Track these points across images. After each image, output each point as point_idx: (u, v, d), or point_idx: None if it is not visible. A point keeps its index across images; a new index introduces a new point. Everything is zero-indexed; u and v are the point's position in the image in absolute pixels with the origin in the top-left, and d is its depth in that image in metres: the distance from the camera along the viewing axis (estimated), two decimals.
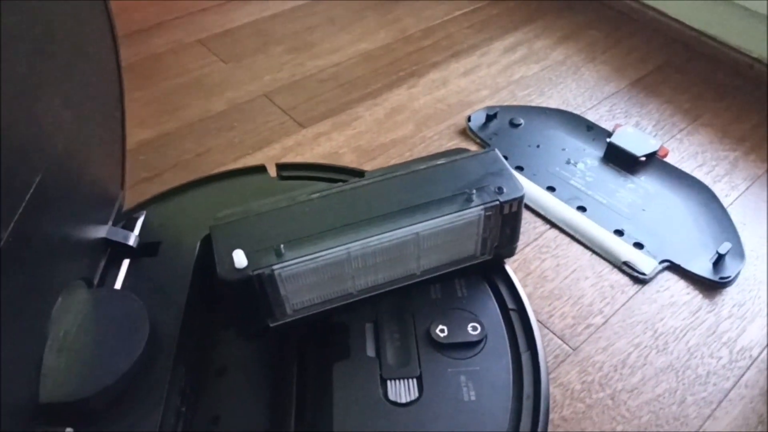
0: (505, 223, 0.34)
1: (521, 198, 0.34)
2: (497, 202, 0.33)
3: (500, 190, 0.34)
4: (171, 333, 0.34)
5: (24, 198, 0.25)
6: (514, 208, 0.34)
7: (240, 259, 0.30)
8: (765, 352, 0.43)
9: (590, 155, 0.57)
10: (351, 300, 0.34)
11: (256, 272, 0.30)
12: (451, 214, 0.33)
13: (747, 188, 0.55)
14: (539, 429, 0.30)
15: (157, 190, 0.52)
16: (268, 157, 0.58)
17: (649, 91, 0.67)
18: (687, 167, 0.57)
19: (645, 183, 0.54)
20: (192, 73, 0.69)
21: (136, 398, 0.31)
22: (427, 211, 0.33)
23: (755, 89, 0.66)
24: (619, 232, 0.50)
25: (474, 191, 0.33)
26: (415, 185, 0.35)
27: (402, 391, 0.31)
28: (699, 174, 0.56)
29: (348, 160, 0.57)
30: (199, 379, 0.36)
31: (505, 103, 0.64)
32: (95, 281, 0.36)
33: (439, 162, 0.36)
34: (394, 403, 0.31)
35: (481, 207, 0.33)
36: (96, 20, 0.34)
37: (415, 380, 0.32)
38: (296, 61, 0.71)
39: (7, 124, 0.24)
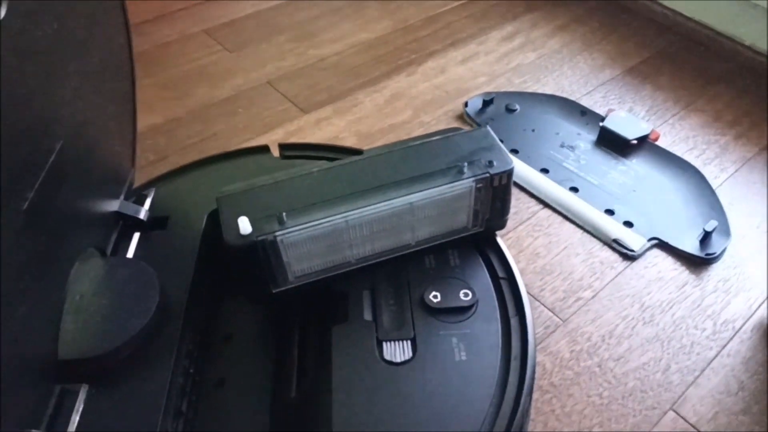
0: (495, 195, 0.36)
1: (510, 171, 0.36)
2: (487, 175, 0.35)
3: (490, 164, 0.36)
4: (180, 299, 0.36)
5: (46, 163, 0.27)
6: (504, 181, 0.36)
7: (245, 225, 0.32)
8: (747, 323, 0.45)
9: (584, 139, 0.59)
10: (349, 268, 0.36)
11: (259, 238, 0.32)
12: (443, 185, 0.35)
13: (736, 170, 0.57)
14: (525, 387, 0.32)
15: (161, 172, 0.55)
16: (272, 140, 0.60)
17: (643, 78, 0.68)
18: (678, 150, 0.58)
19: (636, 165, 0.56)
20: (198, 62, 0.71)
21: (147, 358, 0.33)
22: (420, 182, 0.35)
23: (747, 76, 0.68)
24: (609, 212, 0.51)
25: (465, 164, 0.35)
26: (410, 159, 0.37)
27: (397, 351, 0.33)
28: (689, 157, 0.58)
29: (348, 144, 0.59)
30: (207, 344, 0.38)
31: (502, 90, 0.66)
32: (108, 251, 0.38)
33: (434, 138, 0.38)
34: (390, 363, 0.33)
35: (473, 179, 0.35)
36: (110, 2, 0.36)
37: (409, 342, 0.34)
38: (299, 50, 0.73)
39: (31, 88, 0.26)
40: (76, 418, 0.31)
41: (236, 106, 0.65)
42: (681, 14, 0.76)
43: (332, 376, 0.33)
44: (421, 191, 0.35)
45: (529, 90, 0.66)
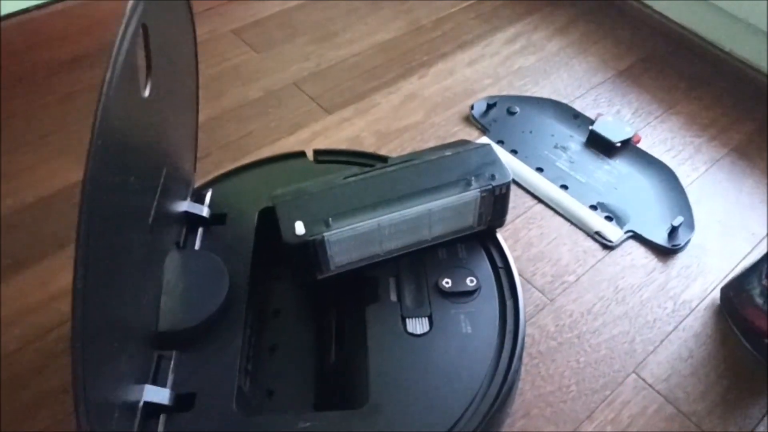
0: (496, 201, 0.45)
1: (509, 183, 0.44)
2: (490, 186, 0.44)
3: (493, 177, 0.44)
4: (242, 283, 0.45)
5: (158, 186, 0.36)
6: (503, 191, 0.44)
7: (300, 228, 0.41)
8: (702, 304, 0.54)
9: (575, 140, 0.67)
10: (379, 259, 0.45)
11: (311, 238, 0.41)
12: (454, 195, 0.43)
13: (706, 170, 0.65)
14: (516, 353, 0.41)
15: (209, 168, 0.63)
16: (300, 140, 0.68)
17: (631, 81, 0.76)
18: (656, 152, 0.66)
19: (619, 165, 0.64)
20: (229, 62, 0.78)
21: (221, 330, 0.42)
22: (436, 192, 0.44)
23: (725, 81, 0.75)
24: (593, 207, 0.60)
25: (472, 178, 0.44)
26: (428, 172, 0.45)
27: (417, 326, 0.42)
28: (666, 158, 0.66)
29: (368, 143, 0.67)
30: (260, 319, 0.48)
31: (505, 92, 0.74)
32: (180, 244, 0.47)
33: (446, 153, 0.46)
34: (411, 334, 0.42)
35: (478, 190, 0.44)
36: (185, 31, 0.43)
37: (427, 318, 0.43)
38: (320, 51, 0.80)
39: (154, 136, 0.34)
40: (171, 376, 0.40)
41: (266, 106, 0.72)
42: (669, 19, 0.82)
43: (367, 346, 0.42)
44: (437, 200, 0.43)
45: (529, 92, 0.74)
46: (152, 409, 0.38)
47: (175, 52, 0.40)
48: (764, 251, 0.54)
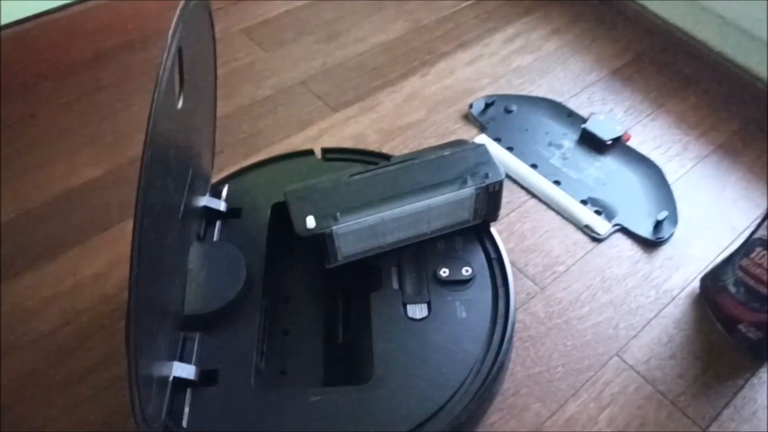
0: (490, 198, 0.49)
1: (502, 181, 0.48)
2: (484, 184, 0.48)
3: (487, 175, 0.48)
4: (257, 272, 0.49)
5: (186, 185, 0.40)
6: (496, 188, 0.48)
7: (311, 222, 0.45)
8: (682, 292, 0.58)
9: (568, 138, 0.70)
10: (382, 251, 0.50)
11: (321, 231, 0.45)
12: (452, 192, 0.47)
13: (692, 167, 0.69)
14: (506, 336, 0.45)
15: (223, 164, 0.67)
16: (308, 137, 0.72)
17: (624, 80, 0.79)
18: (645, 149, 0.70)
19: (609, 162, 0.68)
20: (240, 61, 0.82)
21: (240, 314, 0.47)
22: (435, 189, 0.48)
23: (714, 80, 0.79)
24: (584, 202, 0.64)
25: (468, 176, 0.48)
26: (427, 171, 0.49)
27: (417, 311, 0.47)
28: (655, 155, 0.70)
29: (372, 140, 0.71)
30: (274, 304, 0.52)
31: (503, 91, 0.77)
32: (201, 236, 0.51)
33: (444, 153, 0.50)
34: (412, 319, 0.46)
35: (473, 187, 0.48)
36: (208, 44, 0.47)
37: (425, 304, 0.47)
38: (326, 50, 0.83)
39: (184, 142, 0.38)
40: (195, 355, 0.45)
41: (276, 104, 0.76)
42: (663, 19, 0.85)
43: (371, 328, 0.46)
44: (435, 197, 0.47)
45: (526, 91, 0.78)
46: (180, 383, 0.42)
47: (199, 63, 0.44)
48: None
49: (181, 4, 0.34)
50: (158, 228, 0.34)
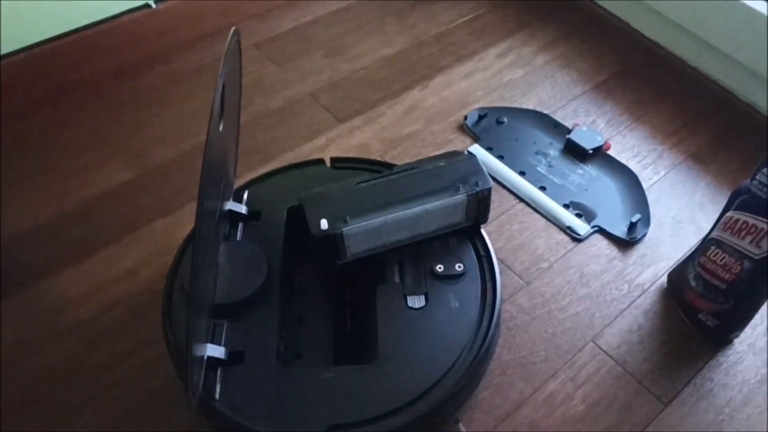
0: (479, 203, 0.56)
1: (490, 188, 0.55)
2: (474, 191, 0.55)
3: (477, 184, 0.55)
4: (276, 267, 0.56)
5: (220, 192, 0.47)
6: (485, 195, 0.55)
7: (324, 224, 0.52)
8: (653, 286, 0.65)
9: (554, 148, 0.77)
10: (386, 249, 0.57)
11: (333, 232, 0.52)
12: (446, 198, 0.55)
13: (666, 174, 0.76)
14: (493, 323, 0.52)
15: (240, 170, 0.74)
16: (317, 146, 0.79)
17: (607, 93, 0.86)
18: (624, 158, 0.77)
19: (590, 170, 0.75)
20: (252, 74, 0.89)
21: (261, 304, 0.54)
22: (432, 195, 0.55)
23: (690, 93, 0.86)
24: (566, 206, 0.71)
25: (460, 184, 0.55)
26: (425, 179, 0.56)
27: (416, 301, 0.54)
28: (632, 163, 0.77)
29: (376, 149, 0.78)
30: (290, 296, 0.59)
31: (495, 103, 0.84)
32: (227, 236, 0.58)
33: (440, 164, 0.57)
34: (411, 308, 0.53)
35: (465, 194, 0.55)
36: (235, 69, 0.54)
37: (423, 295, 0.54)
38: (333, 64, 0.90)
39: (221, 156, 0.45)
40: (224, 339, 0.52)
41: (287, 115, 0.83)
42: (645, 36, 0.92)
43: (377, 317, 0.53)
44: (432, 202, 0.54)
45: (517, 103, 0.85)
46: (213, 362, 0.49)
47: (231, 90, 0.51)
48: None
49: (226, 47, 0.41)
50: (206, 229, 0.41)
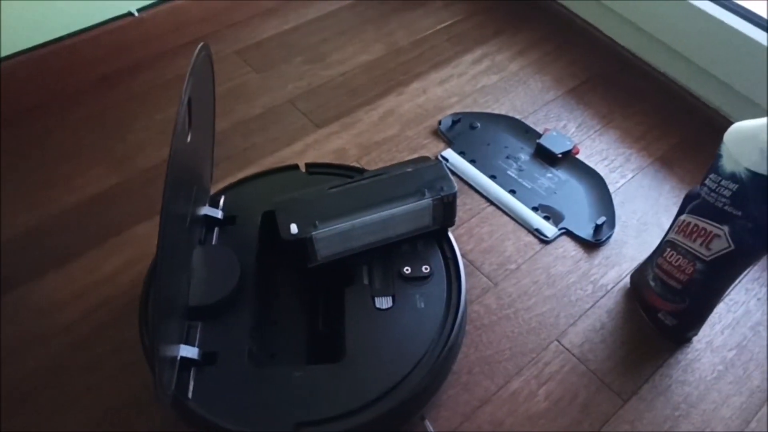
0: (445, 207, 0.58)
1: (455, 193, 0.57)
2: (440, 196, 0.57)
3: (442, 189, 0.57)
4: (250, 271, 0.58)
5: (191, 199, 0.49)
6: (450, 200, 0.58)
7: (294, 228, 0.54)
8: (616, 287, 0.67)
9: (524, 152, 0.80)
10: (355, 252, 0.59)
11: (303, 236, 0.55)
12: (413, 203, 0.57)
13: (632, 177, 0.79)
14: (457, 323, 0.55)
15: (219, 176, 0.76)
16: (295, 151, 0.81)
17: (579, 99, 0.89)
18: (592, 161, 0.80)
19: (559, 173, 0.77)
20: (234, 81, 0.91)
21: (234, 306, 0.56)
22: (399, 200, 0.57)
23: (658, 98, 0.88)
24: (535, 209, 0.73)
25: (426, 189, 0.57)
26: (393, 184, 0.58)
27: (383, 302, 0.56)
28: (600, 167, 0.79)
29: (352, 154, 0.80)
30: (264, 298, 0.61)
31: (469, 109, 0.87)
32: (202, 240, 0.60)
33: (408, 170, 0.59)
34: (379, 309, 0.56)
35: (431, 199, 0.57)
36: (209, 85, 0.56)
37: (391, 297, 0.56)
38: (312, 71, 0.92)
39: (191, 164, 0.47)
40: (198, 340, 0.54)
41: (267, 121, 0.85)
42: (616, 42, 0.95)
43: (345, 317, 0.55)
44: (399, 206, 0.57)
45: (490, 109, 0.87)
46: (186, 362, 0.51)
47: (202, 102, 0.53)
48: None
49: (191, 64, 0.43)
50: (173, 236, 0.43)
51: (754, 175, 0.46)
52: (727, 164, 0.48)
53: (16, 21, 0.80)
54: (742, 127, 0.48)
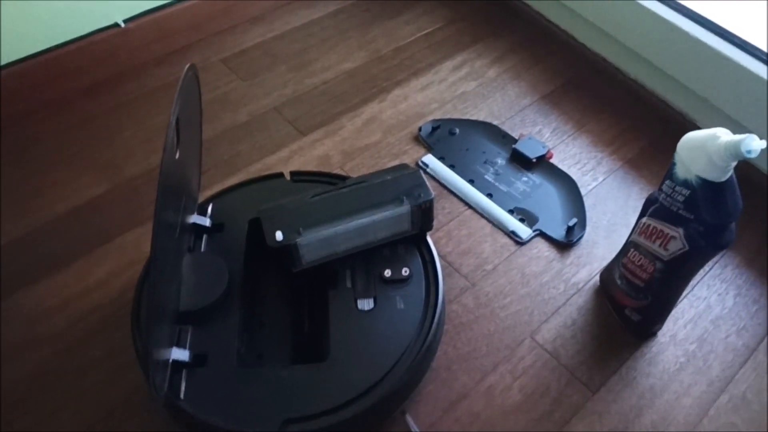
0: (423, 213, 0.61)
1: (432, 200, 0.61)
2: (417, 203, 0.60)
3: (420, 195, 0.60)
4: (237, 276, 0.61)
5: (180, 209, 0.52)
6: (428, 206, 0.61)
7: (279, 236, 0.57)
8: (587, 285, 0.71)
9: (501, 157, 0.83)
10: (338, 257, 0.62)
11: (287, 243, 0.57)
12: (392, 210, 0.60)
13: (603, 179, 0.82)
14: (435, 322, 0.58)
15: (206, 183, 0.78)
16: (280, 158, 0.84)
17: (553, 104, 0.92)
18: (565, 165, 0.83)
19: (534, 177, 0.81)
20: (220, 90, 0.93)
21: (223, 310, 0.58)
22: (379, 207, 0.60)
23: (628, 102, 0.92)
24: (511, 211, 0.77)
25: (404, 196, 0.60)
26: (373, 192, 0.61)
27: (365, 304, 0.59)
28: (573, 170, 0.83)
29: (335, 161, 0.83)
30: (251, 302, 0.64)
31: (449, 115, 0.90)
32: (191, 248, 0.63)
33: (387, 178, 0.62)
34: (361, 311, 0.59)
35: (409, 205, 0.60)
36: (196, 102, 0.59)
37: (372, 299, 0.59)
38: (297, 78, 0.95)
39: (179, 176, 0.50)
40: (188, 343, 0.56)
41: (252, 129, 0.88)
42: (589, 49, 0.99)
43: (329, 319, 0.58)
44: (379, 213, 0.60)
45: (469, 115, 0.90)
46: (177, 365, 0.54)
47: (189, 118, 0.55)
48: None
49: (179, 85, 0.46)
50: (164, 245, 0.46)
51: (704, 182, 0.50)
52: (680, 171, 0.52)
53: (4, 33, 0.82)
54: (692, 137, 0.52)
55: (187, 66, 0.50)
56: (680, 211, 0.53)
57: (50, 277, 0.70)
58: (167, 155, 0.40)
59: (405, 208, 0.60)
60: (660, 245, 0.56)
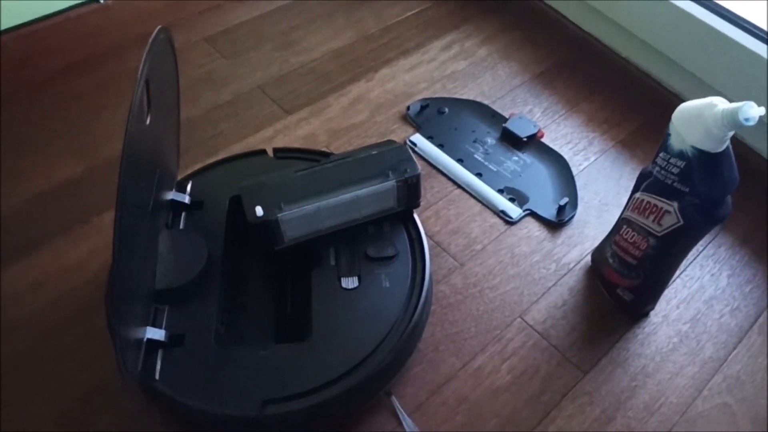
0: (410, 189, 0.59)
1: (418, 175, 0.59)
2: (403, 178, 0.58)
3: (405, 171, 0.58)
4: (217, 255, 0.59)
5: (154, 184, 0.49)
6: (414, 181, 0.59)
7: (260, 211, 0.55)
8: (578, 265, 0.69)
9: (491, 136, 0.81)
10: (321, 234, 0.60)
11: (269, 218, 0.55)
12: (377, 185, 0.58)
13: (595, 159, 0.81)
14: (420, 302, 0.56)
15: (188, 162, 0.76)
16: (264, 138, 0.81)
17: (545, 84, 0.90)
18: (556, 145, 0.81)
19: (524, 157, 0.79)
20: (203, 68, 0.90)
21: (201, 290, 0.56)
22: (363, 182, 0.58)
23: (621, 82, 0.90)
24: (501, 191, 0.75)
25: (390, 171, 0.58)
26: (357, 167, 0.59)
27: (349, 283, 0.57)
28: (564, 150, 0.81)
29: (321, 140, 0.81)
30: (233, 282, 0.62)
31: (438, 94, 0.88)
32: (169, 225, 0.60)
33: (372, 153, 0.60)
34: (345, 289, 0.57)
35: (395, 180, 0.58)
36: (170, 68, 0.56)
37: (357, 277, 0.57)
38: (282, 57, 0.92)
39: (152, 147, 0.47)
40: (165, 322, 0.54)
41: (235, 108, 0.85)
42: (580, 28, 0.97)
43: (312, 299, 0.56)
44: (363, 188, 0.57)
45: (458, 94, 0.88)
46: (153, 344, 0.52)
47: (163, 85, 0.53)
48: None
49: (147, 46, 0.43)
50: (132, 220, 0.44)
51: (699, 152, 0.48)
52: (675, 143, 0.50)
53: None
54: (687, 106, 0.50)
55: (158, 28, 0.47)
56: (675, 184, 0.51)
57: (24, 260, 0.68)
58: (134, 118, 0.38)
59: (390, 183, 0.58)
60: (654, 220, 0.55)
